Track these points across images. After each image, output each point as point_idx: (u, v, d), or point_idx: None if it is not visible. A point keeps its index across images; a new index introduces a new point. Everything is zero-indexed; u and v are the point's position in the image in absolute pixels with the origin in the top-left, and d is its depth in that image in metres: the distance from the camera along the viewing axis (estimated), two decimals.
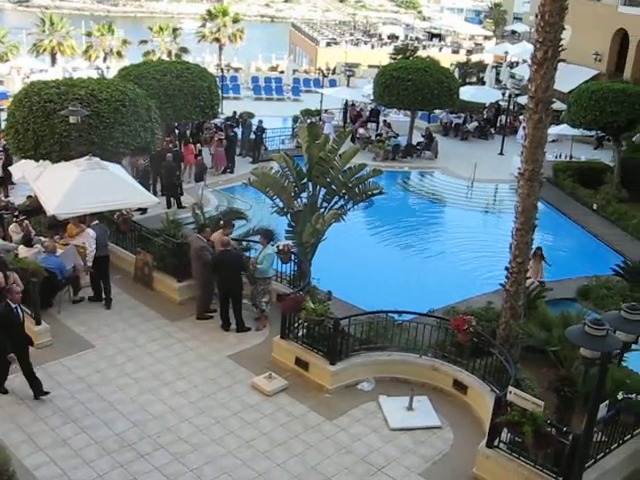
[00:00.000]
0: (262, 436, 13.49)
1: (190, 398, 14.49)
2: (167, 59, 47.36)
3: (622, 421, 12.61)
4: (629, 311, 9.72)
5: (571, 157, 37.59)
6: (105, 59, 59.13)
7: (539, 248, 22.88)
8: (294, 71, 59.81)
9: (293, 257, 18.45)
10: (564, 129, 36.50)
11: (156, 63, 31.49)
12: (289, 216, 19.35)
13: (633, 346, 10.68)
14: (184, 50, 58.46)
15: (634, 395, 12.63)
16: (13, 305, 13.76)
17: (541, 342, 15.69)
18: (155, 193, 26.72)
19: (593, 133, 39.01)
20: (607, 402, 12.18)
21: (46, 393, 14.07)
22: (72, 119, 19.85)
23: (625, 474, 12.90)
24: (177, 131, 34.58)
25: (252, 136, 35.51)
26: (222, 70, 49.94)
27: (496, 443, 12.60)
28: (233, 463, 12.70)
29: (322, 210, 19.20)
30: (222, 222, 18.83)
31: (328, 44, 74.14)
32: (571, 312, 16.78)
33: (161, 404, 14.24)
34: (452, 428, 14.13)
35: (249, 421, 13.90)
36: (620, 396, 12.62)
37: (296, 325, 15.90)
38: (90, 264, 17.84)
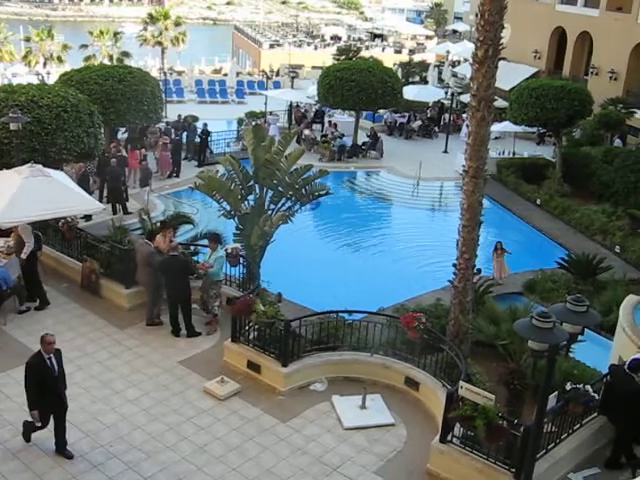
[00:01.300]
0: (216, 441, 13.41)
1: (142, 405, 14.33)
2: (109, 63, 46.69)
3: (571, 411, 12.83)
4: (574, 303, 9.90)
5: (514, 153, 38.17)
6: (45, 64, 58.09)
7: (499, 242, 23.24)
8: (238, 74, 59.61)
9: (242, 260, 18.40)
10: (506, 126, 37.09)
11: (98, 68, 31.12)
12: (236, 219, 19.28)
13: (579, 337, 10.86)
14: (126, 54, 57.75)
15: (581, 385, 12.87)
16: (46, 356, 12.10)
17: (490, 336, 15.88)
18: (101, 199, 26.38)
19: (535, 130, 39.68)
20: (556, 393, 12.39)
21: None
22: (13, 126, 19.52)
23: (577, 462, 13.14)
24: (125, 136, 34.26)
25: (197, 140, 35.29)
26: (165, 74, 49.53)
27: (449, 438, 12.73)
28: (188, 469, 12.60)
29: (270, 212, 19.17)
30: (160, 224, 18.73)
31: (271, 46, 74.08)
32: (518, 306, 17.03)
33: (113, 413, 14.05)
34: (405, 425, 14.23)
35: (203, 426, 13.81)
36: (568, 387, 12.85)
37: (247, 328, 15.84)
38: (24, 257, 17.56)
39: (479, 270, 21.56)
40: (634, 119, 41.39)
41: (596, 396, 13.07)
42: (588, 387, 12.88)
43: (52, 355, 12.15)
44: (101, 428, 13.54)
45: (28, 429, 12.75)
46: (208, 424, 13.88)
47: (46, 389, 12.12)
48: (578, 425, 13.29)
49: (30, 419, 12.47)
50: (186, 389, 14.99)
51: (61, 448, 12.65)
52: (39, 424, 12.42)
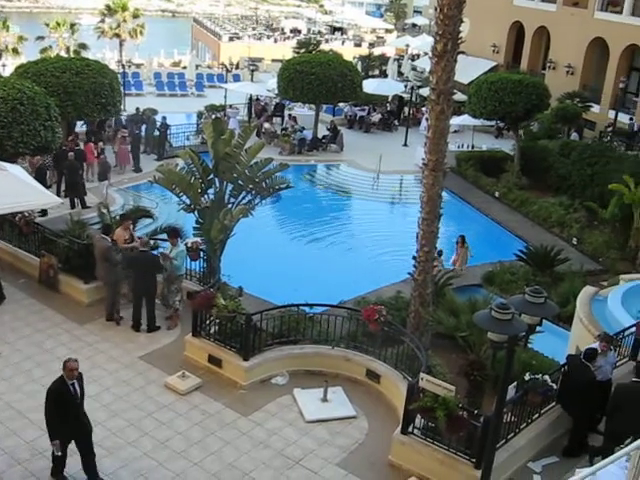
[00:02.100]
0: (177, 436, 13.35)
1: (102, 401, 14.19)
2: (66, 56, 46.04)
3: (530, 401, 13.01)
4: (533, 294, 10.01)
5: (473, 147, 38.48)
6: (0, 56, 57.11)
7: (461, 236, 23.44)
8: (197, 66, 59.13)
9: (202, 254, 18.31)
10: (465, 119, 37.35)
11: (54, 60, 30.66)
12: (196, 213, 19.16)
13: (537, 328, 11.00)
14: (83, 46, 56.92)
15: (540, 375, 13.03)
16: (69, 382, 11.32)
17: (450, 328, 16.03)
18: (58, 193, 26.05)
19: (493, 123, 40.03)
20: (515, 383, 12.55)
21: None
22: None
23: (536, 451, 13.33)
24: (85, 129, 33.89)
25: (156, 133, 35.00)
26: (123, 66, 48.95)
27: (410, 429, 12.83)
28: (149, 465, 12.53)
29: (230, 206, 19.09)
30: (119, 218, 18.59)
31: (231, 39, 73.64)
32: (478, 298, 17.22)
33: None
34: (367, 417, 14.30)
35: (164, 421, 13.73)
36: (527, 377, 13.00)
37: (208, 322, 15.78)
38: None
39: (440, 252, 21.91)
40: (590, 113, 42.00)
41: (554, 386, 13.26)
42: (546, 377, 13.06)
43: (75, 380, 11.40)
44: None
45: (59, 462, 11.75)
46: (169, 419, 13.81)
47: (69, 416, 11.36)
48: (537, 415, 13.47)
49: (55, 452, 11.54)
50: (147, 384, 14.89)
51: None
52: (59, 453, 11.49)
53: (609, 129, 39.63)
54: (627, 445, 8.17)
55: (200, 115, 40.52)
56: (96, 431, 13.11)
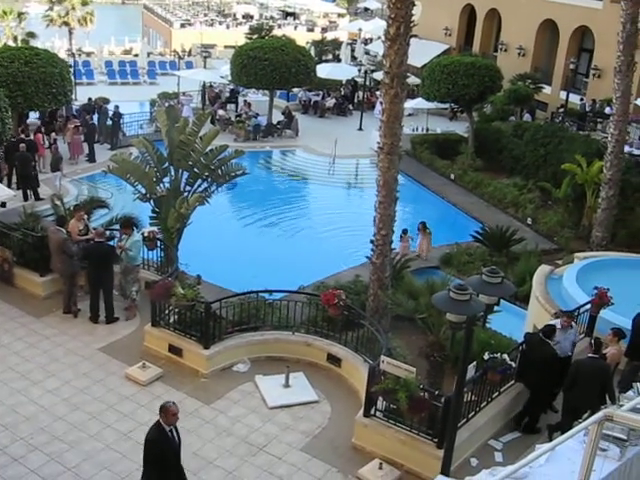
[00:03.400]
0: (140, 427, 13.20)
1: (63, 395, 14.05)
2: (13, 45, 45.18)
3: (489, 380, 13.19)
4: (489, 275, 10.13)
5: (427, 130, 38.64)
6: None
7: (422, 223, 23.59)
8: (149, 54, 58.48)
9: (159, 243, 18.18)
10: (419, 103, 37.50)
11: (2, 49, 30.07)
12: (152, 202, 19.01)
13: (495, 308, 11.14)
14: (31, 35, 55.86)
15: (499, 354, 13.21)
16: (167, 428, 10.23)
17: (409, 310, 16.14)
18: (9, 185, 25.62)
19: (447, 106, 40.25)
20: (474, 363, 12.70)
21: None
22: None
23: (496, 428, 13.52)
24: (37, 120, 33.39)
25: (109, 122, 34.56)
26: (74, 55, 48.12)
27: (372, 412, 12.92)
28: (112, 457, 12.44)
29: (186, 194, 18.97)
30: (72, 208, 18.39)
31: (182, 25, 72.85)
32: (436, 280, 17.35)
33: (32, 404, 13.72)
34: (329, 401, 14.37)
35: (126, 413, 13.64)
36: (486, 356, 13.17)
37: (167, 312, 15.69)
38: None
39: (405, 230, 22.15)
40: (542, 94, 42.46)
41: (513, 364, 13.45)
42: (505, 356, 13.24)
43: (173, 428, 10.33)
44: (20, 420, 13.22)
45: None
46: (131, 410, 13.72)
47: (168, 466, 10.31)
48: (497, 393, 13.66)
49: None
50: (107, 376, 14.77)
51: None
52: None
53: (561, 110, 40.11)
54: (585, 420, 8.31)
55: (153, 103, 40.11)
56: (57, 425, 13.09)
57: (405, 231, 23.11)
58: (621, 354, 14.26)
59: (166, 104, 36.04)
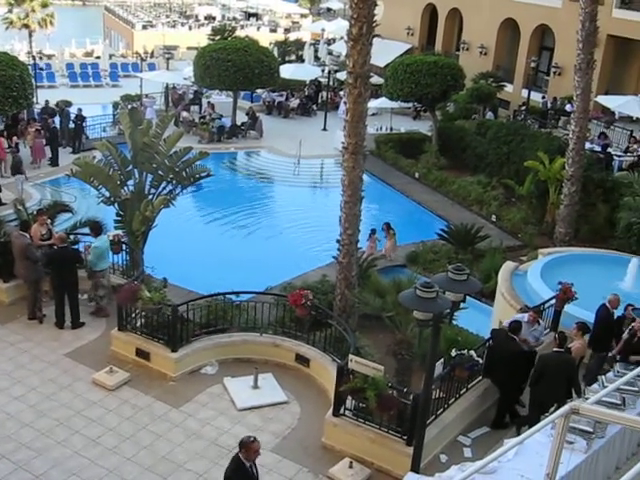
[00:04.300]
0: (109, 432, 13.17)
1: (29, 402, 13.88)
2: None
3: (457, 376, 13.29)
4: (455, 272, 10.20)
5: (391, 129, 38.79)
6: None
7: (386, 224, 23.68)
8: (111, 56, 57.96)
9: (124, 247, 18.04)
10: (383, 102, 37.64)
11: None
12: (117, 205, 18.85)
13: (461, 305, 11.21)
14: None
15: (466, 351, 13.32)
16: (248, 464, 9.85)
17: (376, 309, 16.20)
18: None
19: (410, 105, 40.46)
20: (442, 360, 12.78)
21: None
22: None
23: (465, 424, 13.62)
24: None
25: (71, 125, 34.21)
26: (34, 58, 47.60)
27: (342, 411, 12.96)
28: (81, 463, 12.33)
29: (150, 197, 18.83)
30: (35, 212, 18.21)
31: (144, 27, 72.37)
32: (402, 278, 17.44)
33: None
34: (298, 401, 14.38)
35: (94, 418, 13.53)
36: (453, 353, 13.27)
37: (133, 316, 15.59)
38: None
39: (374, 230, 22.25)
40: (504, 92, 42.85)
41: (480, 360, 13.57)
42: (472, 352, 13.35)
43: (253, 463, 9.96)
44: None
45: None
46: (99, 416, 13.61)
47: None
48: (464, 389, 13.77)
49: None
50: (74, 382, 14.64)
51: None
52: None
53: (522, 108, 40.50)
54: (552, 413, 8.41)
55: (116, 106, 39.76)
56: (24, 432, 12.92)
57: (374, 231, 23.20)
58: (585, 348, 14.44)
59: (129, 106, 35.71)
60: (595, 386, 12.05)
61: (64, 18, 72.91)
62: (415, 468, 11.71)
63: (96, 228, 17.36)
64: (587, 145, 26.42)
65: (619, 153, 31.41)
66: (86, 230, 18.65)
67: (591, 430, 10.55)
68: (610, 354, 14.62)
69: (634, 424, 8.03)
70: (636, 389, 11.91)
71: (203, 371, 15.21)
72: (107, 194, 18.65)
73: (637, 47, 38.26)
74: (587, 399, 10.11)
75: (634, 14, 37.19)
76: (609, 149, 31.01)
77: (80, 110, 34.40)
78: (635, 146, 31.29)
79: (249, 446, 9.74)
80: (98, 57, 57.94)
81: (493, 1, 45.58)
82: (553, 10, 41.21)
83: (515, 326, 13.83)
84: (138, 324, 15.55)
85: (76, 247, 17.91)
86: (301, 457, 12.82)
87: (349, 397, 12.80)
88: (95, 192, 18.96)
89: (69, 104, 37.35)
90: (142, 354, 15.21)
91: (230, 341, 15.68)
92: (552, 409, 9.62)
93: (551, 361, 12.99)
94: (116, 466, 12.30)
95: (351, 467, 12.35)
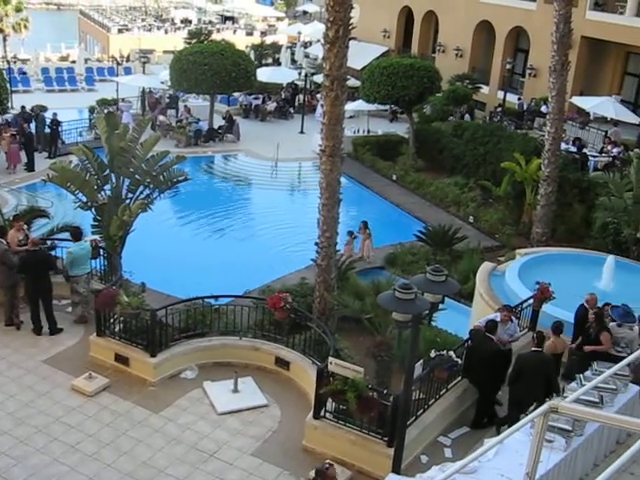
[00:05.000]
0: (88, 438, 13.09)
1: (7, 409, 13.76)
2: None
3: (436, 377, 13.34)
4: (434, 273, 10.26)
5: (369, 131, 38.88)
6: None
7: (363, 222, 23.74)
8: (86, 60, 57.59)
9: (102, 252, 17.95)
10: (360, 105, 37.70)
11: None
12: (94, 210, 18.76)
13: (440, 306, 11.27)
14: None
15: (445, 351, 13.37)
16: None
17: (356, 311, 16.26)
18: None
19: (387, 107, 40.58)
20: (421, 361, 12.83)
21: None
22: None
23: (445, 425, 13.67)
24: None
25: (47, 130, 33.98)
26: (8, 62, 47.26)
27: (322, 413, 12.97)
28: (60, 470, 12.24)
29: (128, 201, 18.77)
30: (12, 218, 18.08)
31: (120, 31, 72.00)
32: (381, 280, 17.53)
33: None
34: (278, 405, 14.37)
35: (73, 425, 13.43)
36: (432, 354, 13.32)
37: (112, 321, 15.51)
38: None
39: (351, 232, 22.31)
40: (480, 94, 43.09)
41: (459, 361, 13.63)
42: (451, 353, 13.41)
43: None
44: None
45: None
46: (78, 422, 13.52)
47: None
48: (444, 390, 13.81)
49: None
50: (53, 388, 14.53)
51: None
52: None
53: (499, 109, 40.75)
54: (531, 412, 8.47)
55: (92, 110, 39.54)
56: (3, 440, 12.81)
57: (351, 233, 23.24)
58: (558, 346, 14.38)
59: (105, 111, 35.53)
60: (573, 384, 12.16)
61: (39, 22, 72.47)
62: (396, 469, 11.75)
63: (76, 234, 17.25)
64: (563, 146, 26.63)
65: (594, 154, 31.69)
66: (63, 235, 18.54)
67: (570, 428, 10.64)
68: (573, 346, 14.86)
69: (612, 422, 8.11)
70: (614, 387, 12.03)
71: (183, 375, 15.17)
72: (84, 199, 18.57)
73: (610, 48, 38.65)
74: (566, 398, 10.20)
75: (607, 16, 37.61)
76: (584, 150, 31.27)
77: (55, 115, 34.17)
78: (609, 147, 31.57)
79: (326, 474, 9.71)
80: (74, 61, 57.53)
81: (468, 3, 45.84)
82: (528, 12, 41.52)
83: (491, 325, 13.91)
84: (117, 329, 15.47)
85: (52, 252, 17.79)
86: (282, 460, 12.82)
87: (329, 399, 12.81)
88: (72, 197, 18.88)
89: (44, 109, 37.10)
90: (121, 359, 15.14)
91: (209, 345, 15.64)
92: (531, 408, 9.68)
93: (529, 360, 13.08)
94: (96, 472, 12.23)
95: None
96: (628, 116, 32.86)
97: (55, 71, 53.04)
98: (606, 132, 33.51)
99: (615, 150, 30.81)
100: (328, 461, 9.71)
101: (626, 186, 22.11)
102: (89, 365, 15.22)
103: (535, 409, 8.01)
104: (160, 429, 13.48)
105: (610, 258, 18.78)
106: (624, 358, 11.98)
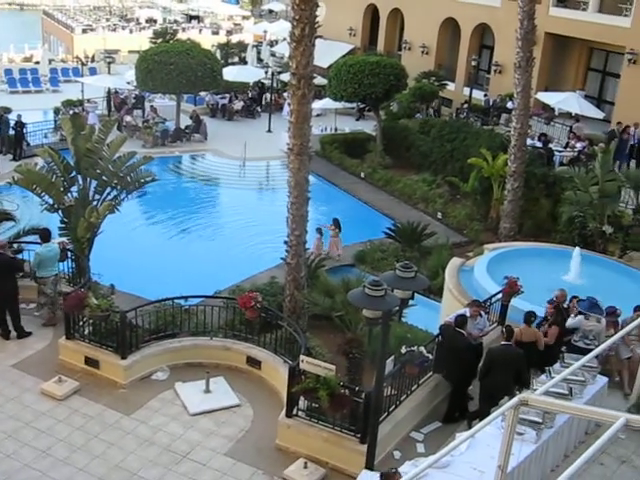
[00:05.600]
0: (59, 442, 12.97)
1: None
2: None
3: (408, 373, 13.40)
4: (403, 270, 10.32)
5: (336, 129, 38.94)
6: None
7: (334, 220, 23.78)
8: (50, 61, 56.97)
9: (70, 254, 17.80)
10: (327, 103, 37.76)
11: None
12: (61, 212, 18.59)
13: (410, 302, 11.33)
14: None
15: (416, 347, 13.43)
16: None
17: (326, 309, 16.29)
18: None
19: (354, 105, 40.64)
20: (392, 357, 12.89)
21: None
22: None
23: (417, 420, 13.74)
24: None
25: (11, 132, 33.59)
26: None
27: (295, 412, 12.98)
28: (31, 476, 12.11)
29: (95, 203, 18.62)
30: None
31: (84, 31, 71.24)
32: (351, 277, 17.58)
33: None
34: (251, 404, 14.36)
35: (43, 429, 13.30)
36: (403, 350, 13.37)
37: (81, 323, 15.39)
38: None
39: (320, 230, 22.36)
40: (446, 91, 43.31)
41: (430, 356, 13.69)
42: (422, 348, 13.46)
43: None
44: None
45: None
46: (49, 426, 13.39)
47: None
48: (415, 386, 13.88)
49: None
50: (22, 393, 14.37)
51: None
52: None
53: (465, 106, 41.01)
54: (501, 406, 8.56)
55: (57, 111, 39.12)
56: None
57: (320, 230, 23.28)
58: (523, 335, 14.33)
59: (71, 112, 35.21)
60: (543, 377, 12.31)
61: (1, 23, 71.55)
62: (369, 465, 11.81)
63: (44, 235, 17.06)
64: (528, 141, 26.88)
65: (559, 149, 32.04)
66: (30, 238, 18.35)
67: (540, 420, 10.77)
68: None
69: (581, 413, 8.22)
70: (582, 379, 12.20)
71: (154, 377, 15.09)
72: (50, 201, 18.39)
73: (574, 44, 39.05)
74: (535, 390, 10.32)
75: (570, 12, 37.97)
76: (550, 145, 31.59)
77: (20, 116, 33.80)
78: (574, 142, 31.92)
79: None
80: (37, 62, 56.87)
81: (433, 1, 46.00)
82: (492, 9, 41.80)
83: (461, 320, 13.99)
84: (86, 332, 15.34)
85: (19, 256, 17.60)
86: (255, 460, 12.81)
87: (301, 398, 12.82)
88: (38, 199, 18.67)
89: (8, 110, 36.66)
90: (91, 362, 15.02)
91: (180, 346, 15.58)
92: (502, 401, 9.79)
93: (499, 354, 13.19)
94: (68, 477, 12.13)
95: (306, 467, 12.38)
96: (592, 111, 33.26)
97: (19, 72, 52.41)
98: (571, 127, 33.89)
99: (579, 145, 31.18)
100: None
101: (591, 180, 22.36)
102: (59, 369, 15.08)
103: (506, 402, 8.10)
104: (132, 431, 13.40)
105: (577, 250, 18.98)
106: (592, 350, 12.15)
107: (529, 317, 14.39)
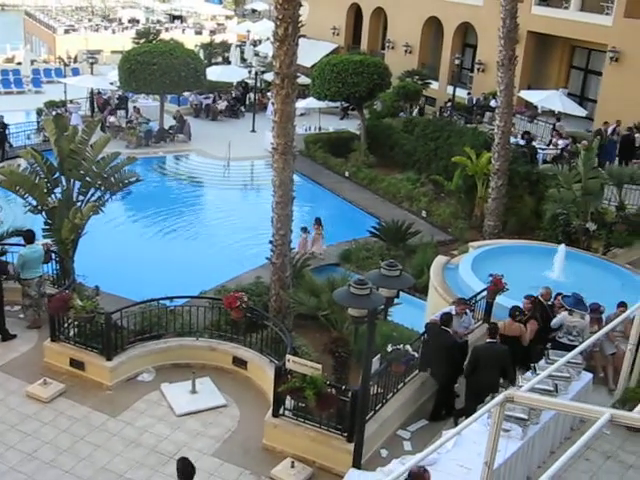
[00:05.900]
0: (45, 445, 12.91)
1: None
2: None
3: (394, 371, 13.42)
4: (388, 268, 10.33)
5: (320, 129, 38.96)
6: None
7: (317, 219, 23.79)
8: (32, 62, 56.64)
9: (54, 256, 17.71)
10: (311, 102, 37.79)
11: None
12: (44, 214, 18.49)
13: (395, 300, 11.35)
14: None
15: (402, 346, 13.47)
16: None
17: (312, 308, 16.28)
18: None
19: (338, 104, 40.68)
20: (378, 356, 12.92)
21: None
22: None
23: (404, 419, 13.78)
24: None
25: None
26: None
27: (281, 412, 12.98)
28: (17, 479, 12.02)
29: (79, 204, 18.54)
30: None
31: (66, 31, 70.88)
32: (336, 276, 17.58)
33: None
34: (237, 404, 14.34)
35: (29, 432, 13.22)
36: (389, 348, 13.40)
37: (66, 325, 15.31)
38: None
39: (304, 228, 22.37)
40: (430, 90, 43.43)
41: (416, 355, 13.74)
42: (408, 347, 13.50)
43: None
44: None
45: None
46: (34, 429, 13.32)
47: None
48: (402, 384, 13.91)
49: None
50: (7, 396, 14.28)
51: None
52: None
53: (448, 104, 41.13)
54: (487, 403, 8.60)
55: (40, 112, 38.91)
56: None
57: (304, 229, 23.29)
58: (506, 328, 14.38)
59: (53, 113, 35.03)
60: (528, 374, 12.36)
61: None
62: (356, 464, 11.82)
63: (28, 236, 16.97)
64: (512, 139, 27.00)
65: (543, 146, 32.20)
66: (14, 240, 18.25)
67: (526, 417, 10.83)
68: None
69: (567, 409, 8.27)
70: (567, 375, 12.27)
71: (140, 378, 15.04)
72: (34, 203, 18.30)
73: (556, 42, 39.27)
74: (521, 387, 10.36)
75: (552, 10, 38.22)
76: (533, 143, 31.73)
77: (2, 117, 33.61)
78: (556, 139, 32.09)
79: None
80: (19, 63, 56.56)
81: (416, 0, 46.10)
82: (475, 8, 41.95)
83: (447, 318, 14.02)
84: (71, 334, 15.27)
85: (2, 258, 17.49)
86: (242, 460, 12.80)
87: (288, 397, 12.83)
88: (22, 201, 18.58)
89: None
90: (76, 364, 14.95)
91: (166, 347, 15.53)
92: (488, 399, 9.82)
93: (485, 352, 13.24)
94: (55, 479, 12.08)
95: (293, 467, 12.38)
96: (575, 109, 33.45)
97: (0, 73, 52.10)
98: (554, 125, 34.05)
99: (561, 142, 31.35)
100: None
101: (574, 178, 22.49)
102: (44, 371, 15.00)
103: (492, 399, 8.13)
104: (118, 433, 13.35)
105: (561, 247, 19.08)
106: (576, 347, 12.20)
107: (514, 312, 14.45)
